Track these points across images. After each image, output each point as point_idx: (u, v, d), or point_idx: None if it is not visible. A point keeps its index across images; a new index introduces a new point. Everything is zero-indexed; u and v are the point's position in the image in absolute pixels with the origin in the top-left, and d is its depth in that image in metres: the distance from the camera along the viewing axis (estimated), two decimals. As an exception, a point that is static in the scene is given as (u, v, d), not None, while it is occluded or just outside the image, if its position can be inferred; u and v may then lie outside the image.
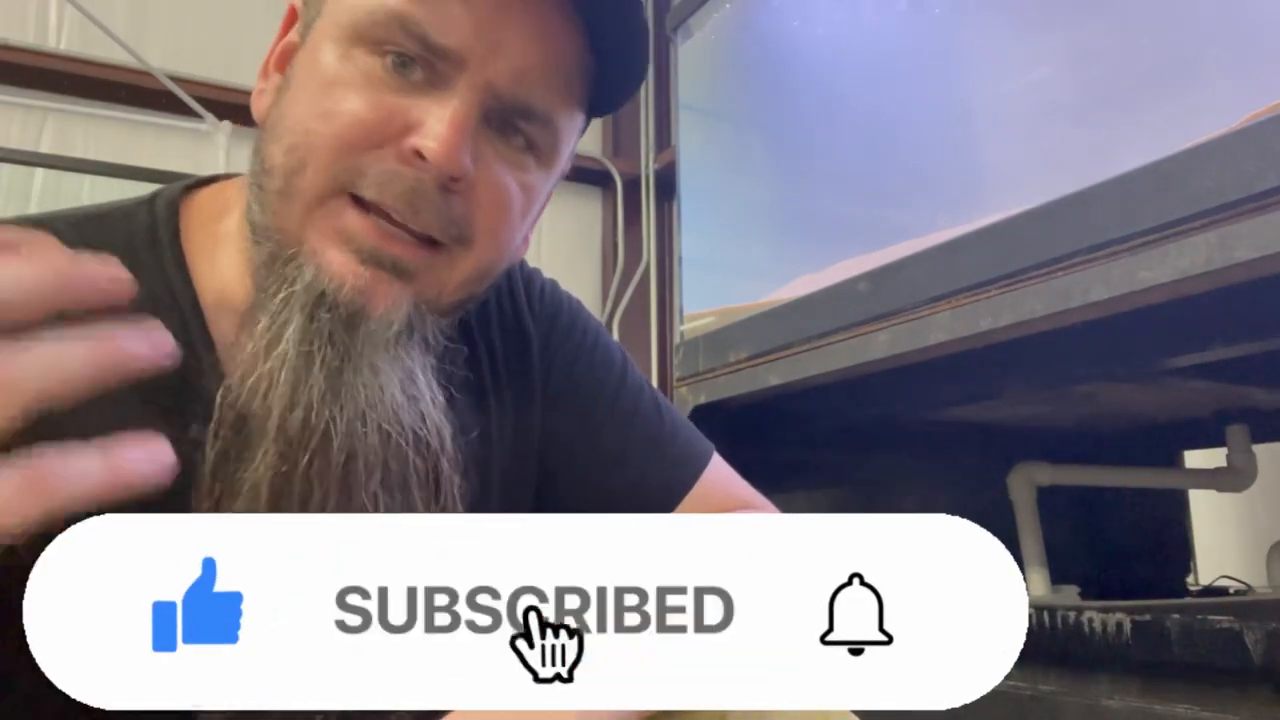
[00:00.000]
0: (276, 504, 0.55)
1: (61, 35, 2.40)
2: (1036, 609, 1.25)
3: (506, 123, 0.58)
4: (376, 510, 0.56)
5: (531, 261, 0.78)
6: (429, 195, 0.55)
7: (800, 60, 1.61)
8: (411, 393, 0.58)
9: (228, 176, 0.67)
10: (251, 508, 0.54)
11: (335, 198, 0.55)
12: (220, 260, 0.61)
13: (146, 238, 0.61)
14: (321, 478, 0.55)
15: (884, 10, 1.45)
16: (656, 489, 0.71)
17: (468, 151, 0.55)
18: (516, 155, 0.59)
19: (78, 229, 0.61)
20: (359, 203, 0.55)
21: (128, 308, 0.58)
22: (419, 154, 0.54)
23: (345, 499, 0.56)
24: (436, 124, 0.54)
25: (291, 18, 0.62)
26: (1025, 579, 1.56)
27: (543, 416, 0.71)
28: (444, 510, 0.60)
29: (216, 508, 0.55)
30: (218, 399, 0.56)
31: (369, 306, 0.55)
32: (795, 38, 1.63)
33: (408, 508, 0.58)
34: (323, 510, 0.55)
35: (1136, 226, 0.96)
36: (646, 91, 3.03)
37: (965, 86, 1.30)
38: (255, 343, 0.55)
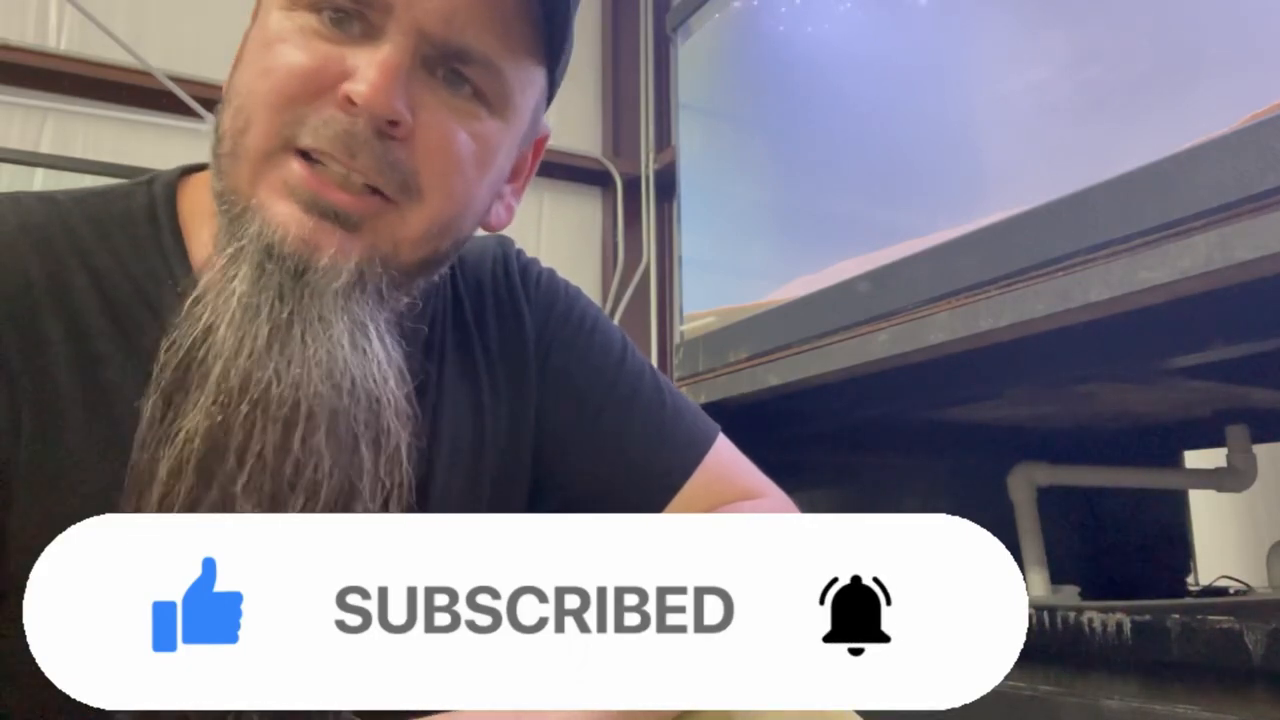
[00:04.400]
0: (213, 453, 0.54)
1: (61, 35, 2.40)
2: (1036, 609, 1.24)
3: (450, 70, 0.58)
4: (319, 463, 0.56)
5: (531, 261, 0.78)
6: (365, 140, 0.55)
7: (800, 60, 1.61)
8: (362, 345, 0.58)
9: None
10: (184, 454, 0.54)
11: (280, 153, 0.56)
12: (205, 237, 0.62)
13: (145, 215, 0.63)
14: (262, 429, 0.55)
15: (884, 10, 1.45)
16: (657, 474, 0.71)
17: (400, 95, 0.56)
18: (465, 104, 0.59)
19: (81, 204, 0.63)
20: (302, 156, 0.56)
21: (129, 283, 0.59)
22: (350, 99, 0.55)
23: (285, 450, 0.55)
24: (367, 69, 0.55)
25: (255, 12, 0.63)
26: (1025, 579, 1.56)
27: (539, 402, 0.71)
28: (390, 464, 0.59)
29: (153, 456, 0.55)
30: (160, 350, 0.56)
31: (314, 256, 0.55)
32: (795, 37, 1.62)
33: (354, 463, 0.57)
34: (260, 460, 0.55)
35: (1136, 226, 0.96)
36: (646, 91, 3.03)
37: (965, 86, 1.30)
38: (202, 294, 0.56)
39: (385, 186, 0.57)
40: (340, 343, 0.56)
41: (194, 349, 0.56)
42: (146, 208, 0.63)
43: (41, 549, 0.48)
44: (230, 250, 0.56)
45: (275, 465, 0.55)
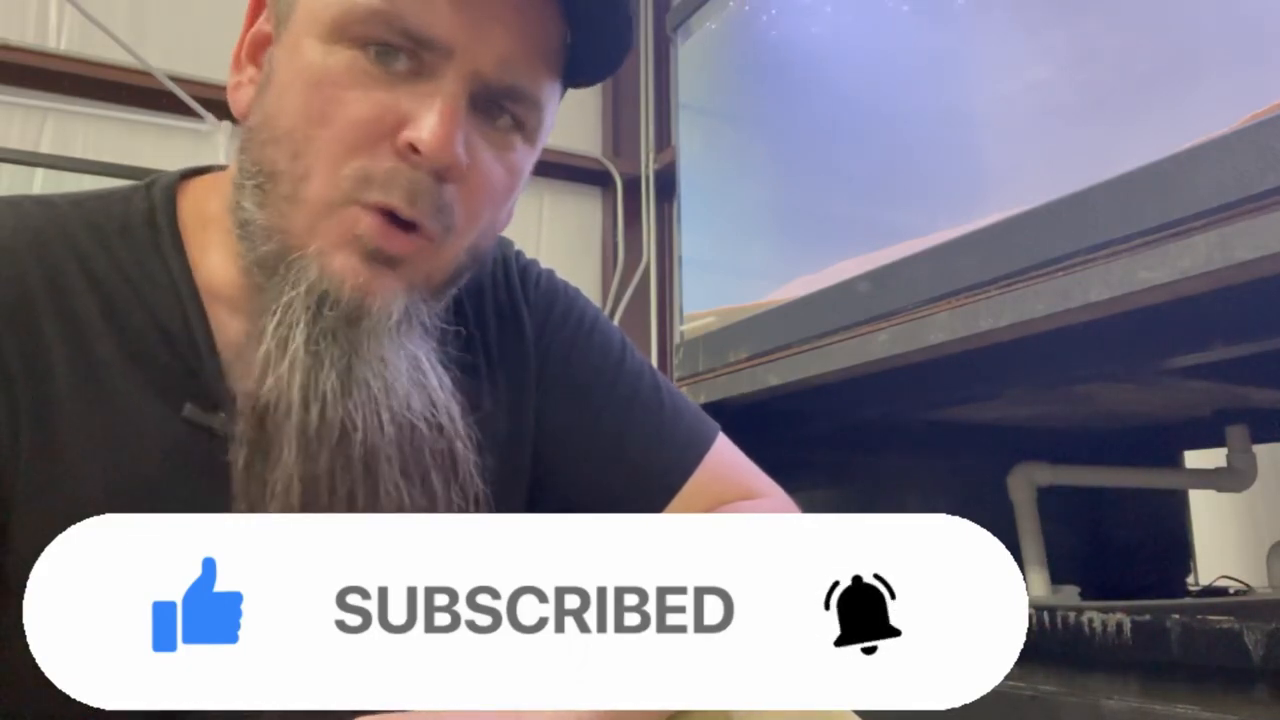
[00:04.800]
0: (309, 500, 0.56)
1: (61, 35, 2.40)
2: (1036, 609, 1.24)
3: (492, 103, 0.59)
4: (400, 498, 0.57)
5: (531, 261, 0.78)
6: (426, 187, 0.56)
7: (800, 60, 1.61)
8: (419, 379, 0.59)
9: (221, 168, 0.67)
10: (286, 505, 0.56)
11: (344, 205, 0.56)
12: (210, 247, 0.62)
13: (144, 220, 0.63)
14: (346, 471, 0.56)
15: (884, 10, 1.45)
16: (657, 474, 0.71)
17: (461, 142, 0.56)
18: (502, 136, 0.60)
19: (79, 208, 0.63)
20: (365, 207, 0.56)
21: (128, 288, 0.60)
22: (413, 148, 0.55)
23: (372, 491, 0.57)
24: (429, 115, 0.55)
25: (257, 6, 0.62)
26: (1025, 579, 1.55)
27: (539, 403, 0.71)
28: (464, 489, 0.61)
29: (252, 508, 0.56)
30: (239, 401, 0.57)
31: (368, 300, 0.56)
32: (795, 37, 1.63)
33: (428, 492, 0.59)
34: (351, 502, 0.56)
35: (1136, 226, 0.96)
36: (646, 91, 3.03)
37: (965, 86, 1.30)
38: (266, 344, 0.56)
39: (432, 228, 0.57)
40: (399, 379, 0.58)
41: (267, 400, 0.57)
42: (145, 212, 0.63)
43: (41, 551, 0.48)
44: (285, 299, 0.56)
45: (364, 506, 0.57)
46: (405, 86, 0.56)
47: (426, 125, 0.55)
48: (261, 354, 0.57)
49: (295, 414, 0.56)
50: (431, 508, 0.59)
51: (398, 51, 0.56)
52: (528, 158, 0.63)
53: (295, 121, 0.57)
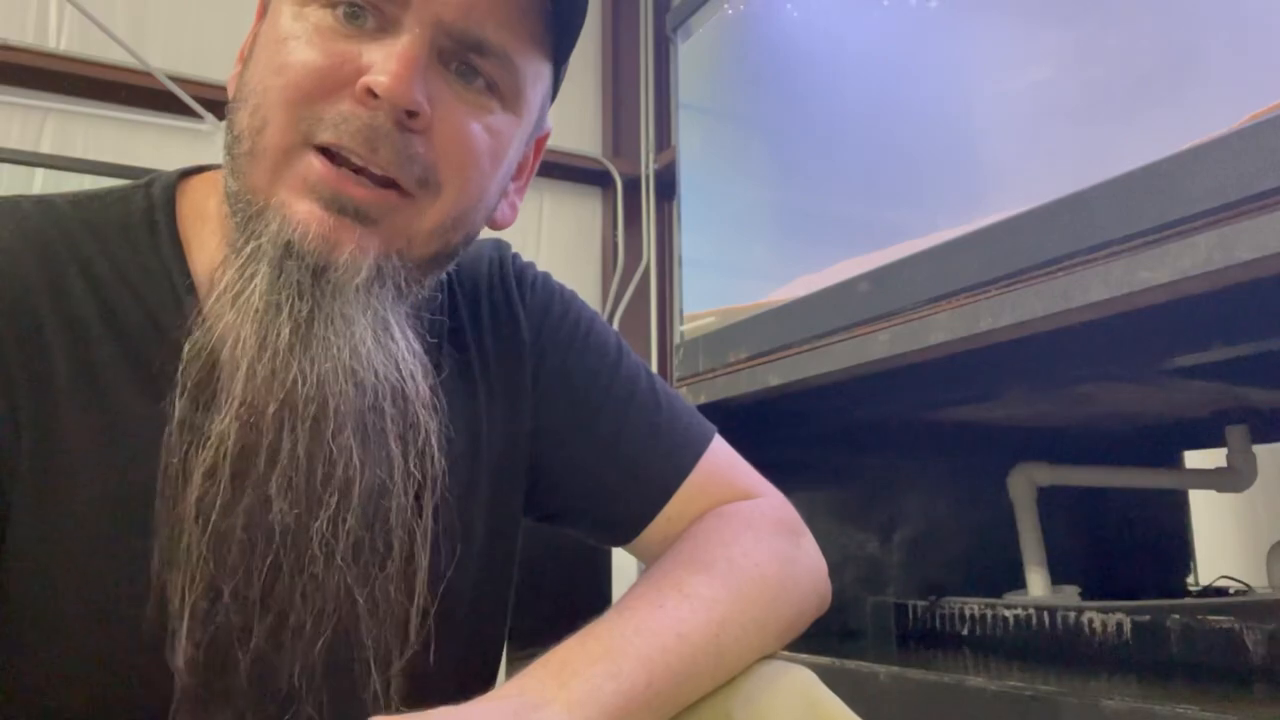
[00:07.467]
0: (245, 454, 0.54)
1: (61, 35, 2.40)
2: (1036, 609, 1.24)
3: (464, 63, 0.58)
4: (349, 460, 0.56)
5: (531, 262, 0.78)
6: (386, 133, 0.55)
7: (800, 60, 1.61)
8: (384, 341, 0.58)
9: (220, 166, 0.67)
10: (218, 456, 0.54)
11: (299, 150, 0.56)
12: (209, 241, 0.62)
13: (143, 218, 0.62)
14: (291, 429, 0.55)
15: (884, 10, 1.45)
16: (654, 476, 0.71)
17: (420, 86, 0.55)
18: (478, 97, 0.59)
19: (79, 208, 0.62)
20: (322, 152, 0.56)
21: (127, 289, 0.59)
22: (371, 92, 0.54)
23: (315, 450, 0.55)
24: (386, 60, 0.55)
25: (263, 8, 0.63)
26: (1025, 579, 1.55)
27: (535, 406, 0.71)
28: (421, 458, 0.59)
29: (184, 459, 0.55)
30: (183, 353, 0.56)
31: (334, 253, 0.55)
32: (795, 37, 1.62)
33: (383, 459, 0.58)
34: (292, 460, 0.54)
35: (1136, 226, 0.96)
36: (646, 91, 3.03)
37: (965, 86, 1.30)
38: (220, 295, 0.55)
39: (403, 180, 0.57)
40: (363, 339, 0.56)
41: (217, 350, 0.56)
42: (144, 212, 0.63)
43: (42, 553, 0.48)
44: (248, 249, 0.55)
45: (307, 465, 0.55)
46: (369, 41, 0.56)
47: (383, 68, 0.54)
48: (214, 300, 0.56)
49: (244, 366, 0.54)
50: (386, 474, 0.58)
51: (364, 12, 0.56)
52: (512, 127, 0.61)
53: (260, 80, 0.57)
